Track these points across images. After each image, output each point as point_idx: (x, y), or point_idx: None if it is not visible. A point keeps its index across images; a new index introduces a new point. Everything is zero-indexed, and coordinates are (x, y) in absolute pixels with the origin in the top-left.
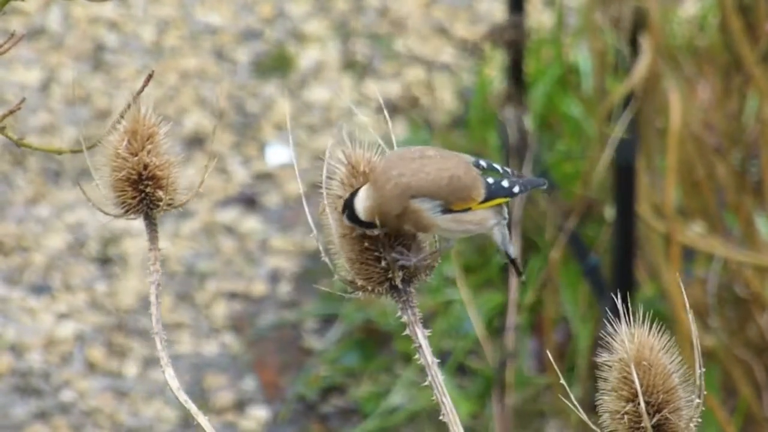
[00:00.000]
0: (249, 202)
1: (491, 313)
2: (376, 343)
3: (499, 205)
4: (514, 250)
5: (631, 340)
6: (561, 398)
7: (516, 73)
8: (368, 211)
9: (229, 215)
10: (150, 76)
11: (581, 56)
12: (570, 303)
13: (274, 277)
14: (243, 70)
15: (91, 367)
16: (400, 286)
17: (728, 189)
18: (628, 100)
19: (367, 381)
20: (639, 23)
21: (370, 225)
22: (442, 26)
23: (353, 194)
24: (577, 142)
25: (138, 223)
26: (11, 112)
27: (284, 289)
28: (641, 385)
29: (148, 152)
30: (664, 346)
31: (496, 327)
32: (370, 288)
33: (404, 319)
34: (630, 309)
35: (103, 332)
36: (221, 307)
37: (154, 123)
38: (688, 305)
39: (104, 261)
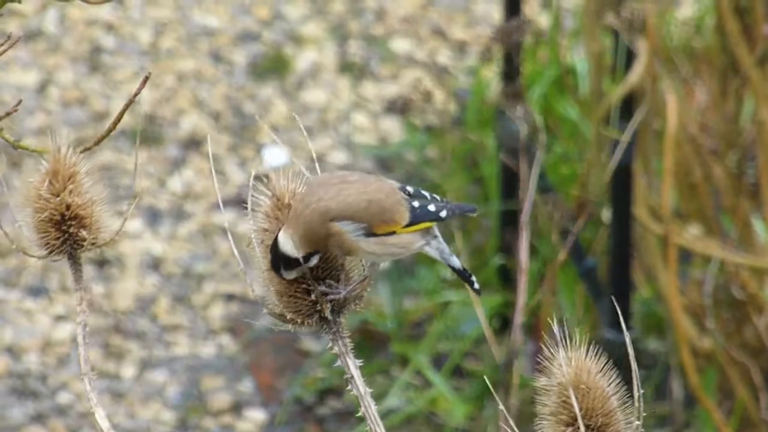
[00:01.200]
0: (243, 204)
1: (490, 315)
2: (373, 346)
3: (426, 228)
4: (457, 261)
5: (569, 364)
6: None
7: (514, 75)
8: (299, 244)
9: (225, 217)
10: (147, 78)
11: (578, 58)
12: (567, 305)
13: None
14: (240, 72)
15: (90, 369)
16: (330, 317)
17: (725, 191)
18: (625, 102)
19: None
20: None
21: (308, 257)
22: (438, 28)
23: (275, 242)
24: (573, 144)
25: (135, 225)
26: (8, 114)
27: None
28: (580, 409)
29: (70, 192)
30: (602, 369)
31: (495, 328)
32: (299, 321)
33: (335, 350)
34: (627, 311)
35: (100, 334)
36: (218, 309)
37: (75, 162)
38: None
39: (101, 263)
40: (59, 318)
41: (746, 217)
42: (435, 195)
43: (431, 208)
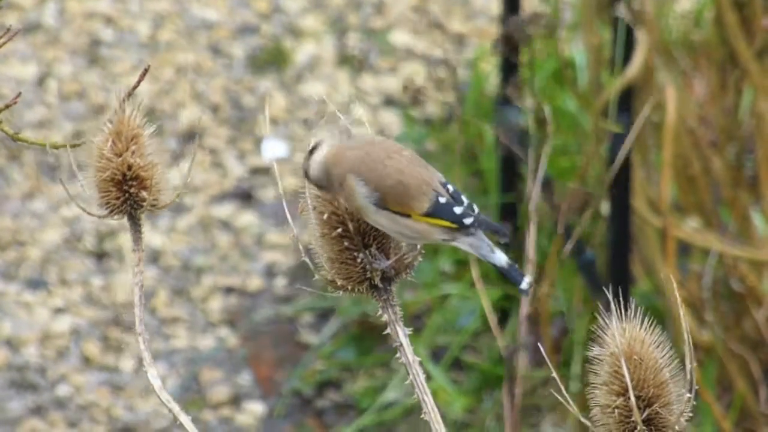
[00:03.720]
0: (245, 196)
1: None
2: (372, 338)
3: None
4: (502, 258)
5: (623, 335)
6: (557, 393)
7: (515, 67)
8: (322, 167)
9: (224, 210)
10: (146, 71)
11: (577, 51)
12: (566, 298)
13: (270, 272)
14: (239, 65)
15: (87, 362)
16: (380, 285)
17: (724, 184)
18: (624, 95)
19: (362, 376)
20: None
21: (319, 184)
22: (437, 21)
23: (318, 148)
24: (572, 136)
25: None
26: (7, 107)
27: (280, 283)
28: (632, 380)
29: (133, 153)
30: (656, 340)
31: (497, 318)
32: (350, 287)
33: (385, 318)
34: (625, 304)
35: (99, 327)
36: (217, 302)
37: (138, 124)
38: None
39: (100, 255)
40: (58, 311)
41: (745, 209)
42: (473, 204)
43: (456, 210)
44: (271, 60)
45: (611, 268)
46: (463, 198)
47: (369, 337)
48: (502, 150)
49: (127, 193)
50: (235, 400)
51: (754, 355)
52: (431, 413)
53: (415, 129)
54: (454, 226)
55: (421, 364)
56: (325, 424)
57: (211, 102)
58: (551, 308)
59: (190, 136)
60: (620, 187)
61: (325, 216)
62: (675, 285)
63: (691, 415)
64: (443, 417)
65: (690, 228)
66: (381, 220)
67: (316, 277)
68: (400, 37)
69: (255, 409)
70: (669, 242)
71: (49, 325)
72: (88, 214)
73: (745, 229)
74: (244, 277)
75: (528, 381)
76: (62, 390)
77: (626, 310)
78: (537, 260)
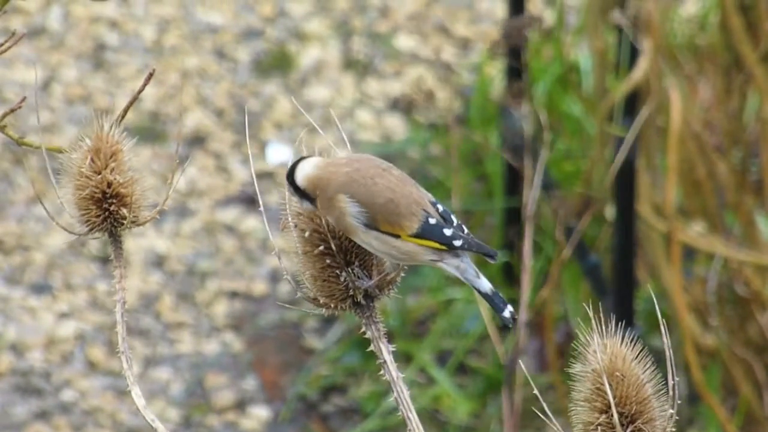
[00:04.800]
0: (249, 201)
1: (492, 312)
2: None
3: (441, 249)
4: (486, 284)
5: (604, 351)
6: (563, 398)
7: (519, 72)
8: (308, 180)
9: (229, 214)
10: (150, 75)
11: (582, 55)
12: (571, 302)
13: (275, 277)
14: (244, 69)
15: (92, 367)
16: (363, 302)
17: (729, 188)
18: (629, 99)
19: (367, 380)
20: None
21: (303, 195)
22: (442, 25)
23: (306, 160)
24: (577, 141)
25: None
26: (12, 111)
27: (285, 288)
28: (614, 397)
29: (112, 170)
30: (637, 356)
31: (498, 326)
32: (332, 305)
33: (368, 334)
34: (631, 308)
35: (103, 332)
36: (222, 307)
37: (117, 140)
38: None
39: (105, 260)
40: (63, 315)
41: (750, 214)
42: (463, 225)
43: (446, 231)
44: (276, 64)
45: (616, 272)
46: (453, 218)
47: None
48: (506, 155)
49: (107, 211)
50: (240, 405)
51: (758, 360)
52: (416, 430)
53: (419, 133)
54: (443, 247)
55: (405, 380)
56: (329, 428)
57: (216, 106)
58: (556, 313)
59: (195, 140)
60: (625, 192)
61: (307, 233)
62: (680, 289)
63: (673, 430)
64: (448, 421)
65: (695, 232)
66: (370, 240)
67: (298, 294)
68: (405, 42)
69: (260, 413)
70: (674, 246)
71: (54, 329)
72: (69, 233)
73: (750, 233)
74: (249, 281)
75: (531, 386)
76: (67, 395)
77: (629, 316)
78: (542, 265)
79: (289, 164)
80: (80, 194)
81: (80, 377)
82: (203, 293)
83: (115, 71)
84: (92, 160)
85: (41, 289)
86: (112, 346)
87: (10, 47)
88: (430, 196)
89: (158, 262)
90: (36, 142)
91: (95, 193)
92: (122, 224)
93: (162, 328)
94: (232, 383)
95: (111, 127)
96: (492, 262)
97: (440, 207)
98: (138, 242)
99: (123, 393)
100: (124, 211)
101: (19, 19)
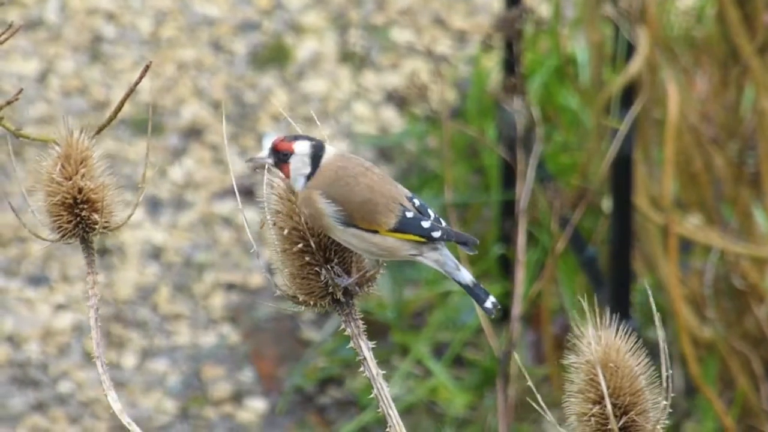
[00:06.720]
0: (246, 193)
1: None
2: (373, 335)
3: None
4: (466, 276)
5: (598, 342)
6: (559, 389)
7: (514, 65)
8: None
9: (226, 206)
10: (147, 67)
11: (578, 47)
12: (567, 294)
13: (271, 269)
14: (240, 61)
15: (89, 358)
16: (342, 299)
17: (726, 180)
18: (626, 91)
19: (364, 372)
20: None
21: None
22: (439, 17)
23: (295, 147)
24: (574, 133)
25: (136, 214)
26: (9, 103)
27: (280, 281)
28: (608, 388)
29: (82, 176)
30: (631, 348)
31: (495, 318)
32: (311, 303)
33: (348, 332)
34: (627, 301)
35: (100, 323)
36: (219, 299)
37: (87, 146)
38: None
39: (102, 252)
40: (60, 307)
41: (747, 206)
42: (440, 217)
43: (424, 224)
44: (272, 56)
45: (613, 264)
46: (430, 211)
47: (370, 334)
48: (501, 148)
49: (79, 217)
50: (237, 397)
51: (755, 352)
52: (396, 427)
53: (416, 126)
54: (422, 239)
55: (385, 376)
56: (326, 420)
57: (212, 98)
58: (552, 305)
59: (192, 132)
60: (622, 184)
61: (286, 231)
62: (677, 282)
63: (666, 422)
64: (444, 413)
65: (692, 225)
66: (348, 237)
67: (277, 293)
68: (401, 34)
69: (257, 405)
70: (671, 239)
71: (51, 321)
72: (40, 239)
73: (747, 225)
74: (246, 273)
75: (531, 378)
76: (64, 386)
77: (628, 307)
78: (538, 257)
79: (272, 161)
80: (51, 200)
81: (77, 369)
82: (200, 285)
83: (111, 63)
84: (62, 166)
85: (38, 280)
86: (108, 338)
87: (6, 39)
88: (407, 192)
89: (155, 253)
90: (33, 134)
91: (66, 199)
92: (94, 229)
93: (159, 319)
94: (229, 375)
95: (81, 133)
96: (469, 252)
97: (417, 201)
98: (135, 234)
99: (120, 384)
100: (96, 216)
101: (16, 11)
